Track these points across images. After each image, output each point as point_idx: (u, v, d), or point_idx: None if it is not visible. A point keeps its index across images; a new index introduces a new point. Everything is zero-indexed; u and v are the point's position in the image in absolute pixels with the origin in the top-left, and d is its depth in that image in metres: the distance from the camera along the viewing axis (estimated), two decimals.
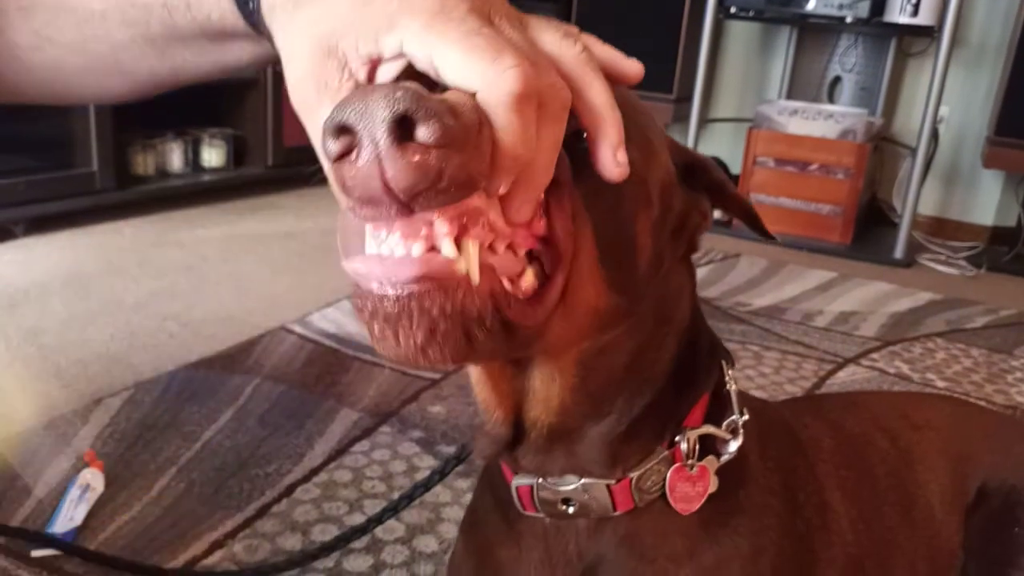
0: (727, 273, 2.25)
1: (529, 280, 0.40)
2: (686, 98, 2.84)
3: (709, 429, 0.54)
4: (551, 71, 0.37)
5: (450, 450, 1.18)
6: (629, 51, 0.46)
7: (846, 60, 2.95)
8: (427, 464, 1.15)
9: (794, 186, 2.66)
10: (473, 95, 0.34)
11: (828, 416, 0.73)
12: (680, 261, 0.55)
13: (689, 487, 0.53)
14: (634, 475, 0.52)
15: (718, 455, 0.55)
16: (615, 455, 0.52)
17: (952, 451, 0.74)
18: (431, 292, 0.34)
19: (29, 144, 2.10)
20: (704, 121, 2.87)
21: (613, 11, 2.92)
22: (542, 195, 0.38)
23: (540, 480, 0.53)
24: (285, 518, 1.01)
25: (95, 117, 2.13)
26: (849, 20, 2.57)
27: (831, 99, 2.99)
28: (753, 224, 0.58)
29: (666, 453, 0.53)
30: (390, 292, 0.34)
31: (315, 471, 1.12)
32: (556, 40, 0.40)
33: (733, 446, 0.55)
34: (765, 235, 0.58)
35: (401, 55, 0.37)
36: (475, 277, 0.35)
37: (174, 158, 2.52)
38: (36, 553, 0.91)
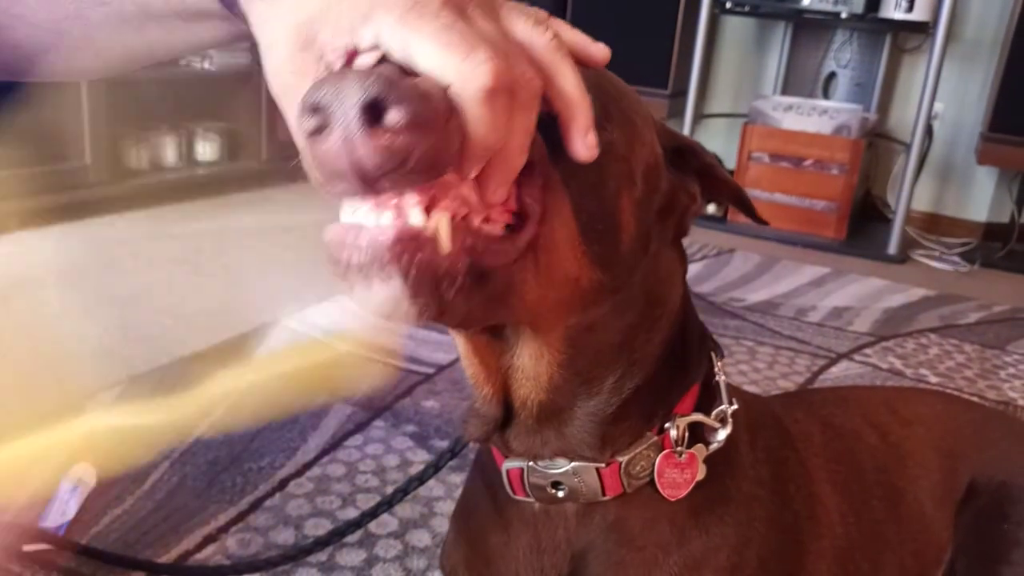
0: (721, 268, 2.25)
1: (500, 228, 0.41)
2: (681, 93, 2.84)
3: (699, 417, 0.55)
4: (522, 61, 0.38)
5: (443, 444, 1.18)
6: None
7: (841, 56, 2.95)
8: (420, 459, 1.15)
9: (788, 182, 2.67)
10: (446, 87, 0.35)
11: (819, 411, 0.73)
12: (671, 245, 0.55)
13: (677, 474, 0.54)
14: (623, 459, 0.53)
15: (707, 444, 0.55)
16: (604, 437, 0.53)
17: (942, 446, 0.74)
18: (401, 246, 0.36)
19: (22, 137, 2.09)
20: (699, 116, 2.87)
21: (609, 6, 2.92)
22: (516, 174, 0.40)
23: (530, 463, 0.54)
24: (278, 512, 1.01)
25: (88, 110, 2.12)
26: (844, 16, 2.57)
27: (826, 95, 2.99)
28: (744, 208, 0.58)
29: (655, 439, 0.54)
30: (364, 247, 0.36)
31: (308, 465, 1.12)
32: (528, 28, 0.41)
33: (722, 435, 0.55)
34: (756, 219, 0.59)
35: (377, 47, 0.38)
36: (445, 245, 0.37)
37: (168, 152, 2.51)
38: (28, 547, 0.91)
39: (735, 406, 0.56)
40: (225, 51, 2.55)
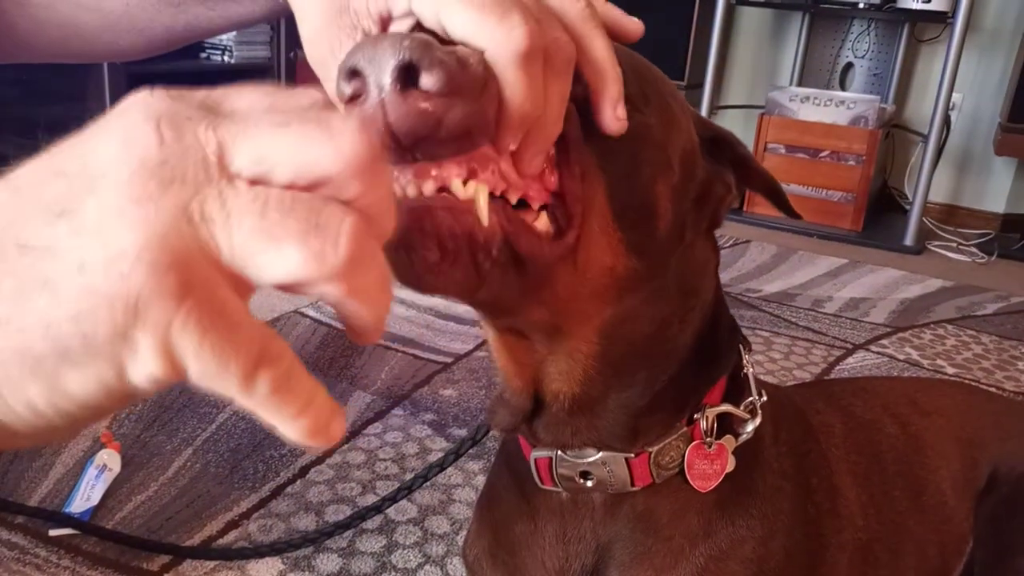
0: (737, 259, 2.25)
1: (544, 223, 0.40)
2: (697, 85, 2.83)
3: (728, 408, 0.55)
4: (556, 26, 0.37)
5: (462, 433, 1.19)
6: (640, 39, 0.46)
7: (858, 46, 2.94)
8: (439, 447, 1.16)
9: (805, 173, 2.66)
10: (482, 53, 0.34)
11: (839, 401, 0.73)
12: (704, 235, 0.55)
13: (707, 465, 0.54)
14: (653, 450, 0.53)
15: (736, 435, 0.55)
16: (636, 429, 0.53)
17: (962, 437, 0.74)
18: (441, 213, 0.35)
19: (47, 132, 2.11)
20: (715, 108, 2.86)
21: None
22: (552, 150, 0.39)
23: (559, 453, 0.54)
24: (299, 499, 1.03)
25: (111, 105, 2.14)
26: (862, 6, 2.55)
27: (843, 86, 2.97)
28: (778, 201, 0.58)
29: (685, 430, 0.54)
30: (403, 215, 0.34)
31: (329, 453, 1.13)
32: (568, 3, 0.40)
33: (751, 426, 0.55)
34: (791, 213, 0.59)
35: (410, 13, 0.37)
36: (484, 217, 0.36)
37: None
38: (54, 532, 0.92)
39: (764, 398, 0.56)
40: (244, 45, 2.56)
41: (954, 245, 2.60)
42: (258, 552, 0.90)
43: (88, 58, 0.69)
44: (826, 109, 2.63)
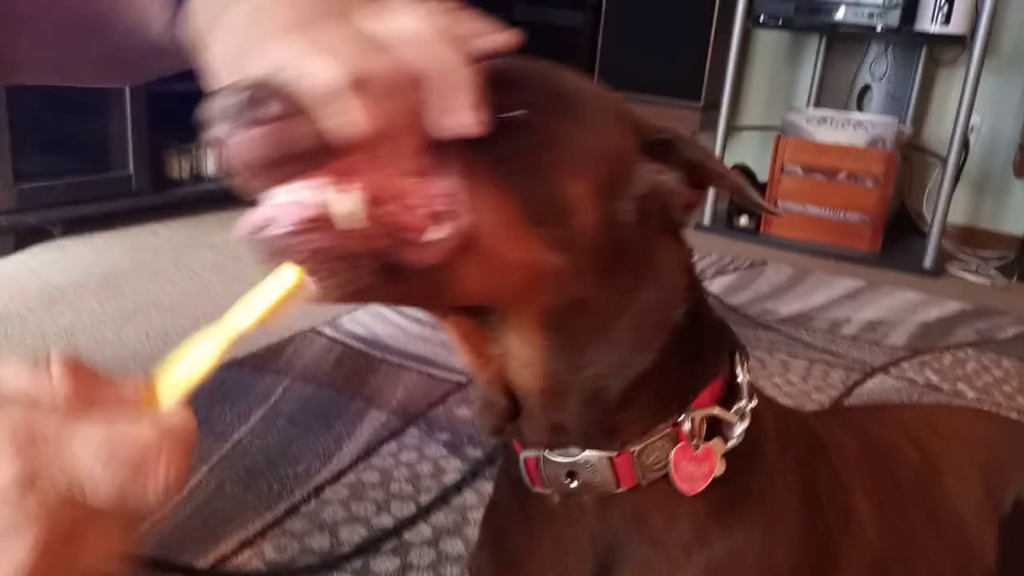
0: (754, 280, 2.24)
1: (435, 228, 0.44)
2: (714, 106, 2.84)
3: (715, 411, 0.55)
4: (381, 55, 0.42)
5: (477, 453, 1.19)
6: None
7: (876, 68, 2.94)
8: (454, 467, 1.16)
9: (822, 194, 2.65)
10: (298, 89, 0.40)
11: (854, 424, 0.73)
12: (669, 236, 0.56)
13: (694, 467, 0.54)
14: (635, 449, 0.54)
15: (725, 439, 0.56)
16: (613, 425, 0.54)
17: (984, 463, 0.73)
18: (311, 231, 0.40)
19: (67, 147, 2.15)
20: (731, 129, 2.87)
21: (642, 19, 2.93)
22: (428, 160, 0.44)
23: (545, 453, 0.55)
24: (314, 518, 1.03)
25: (131, 122, 2.17)
26: (879, 29, 2.55)
27: (860, 107, 2.97)
28: (746, 199, 0.58)
29: (669, 430, 0.54)
30: (275, 232, 0.40)
31: (343, 472, 1.13)
32: (407, 22, 0.44)
33: (739, 429, 0.55)
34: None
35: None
36: (352, 224, 0.41)
37: (208, 162, 2.55)
38: None
39: (755, 402, 0.57)
40: None
41: (973, 268, 2.58)
42: (273, 574, 0.90)
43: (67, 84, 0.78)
44: (843, 131, 2.62)
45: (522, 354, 0.52)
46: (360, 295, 0.43)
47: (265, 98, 0.39)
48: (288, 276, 0.41)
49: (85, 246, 2.07)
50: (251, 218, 0.41)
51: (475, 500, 1.07)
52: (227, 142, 0.39)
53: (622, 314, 0.52)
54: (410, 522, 0.87)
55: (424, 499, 1.07)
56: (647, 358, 0.53)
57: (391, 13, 0.44)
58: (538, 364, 0.52)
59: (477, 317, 0.51)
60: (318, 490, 1.08)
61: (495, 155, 0.45)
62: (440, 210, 0.44)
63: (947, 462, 0.72)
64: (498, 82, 0.46)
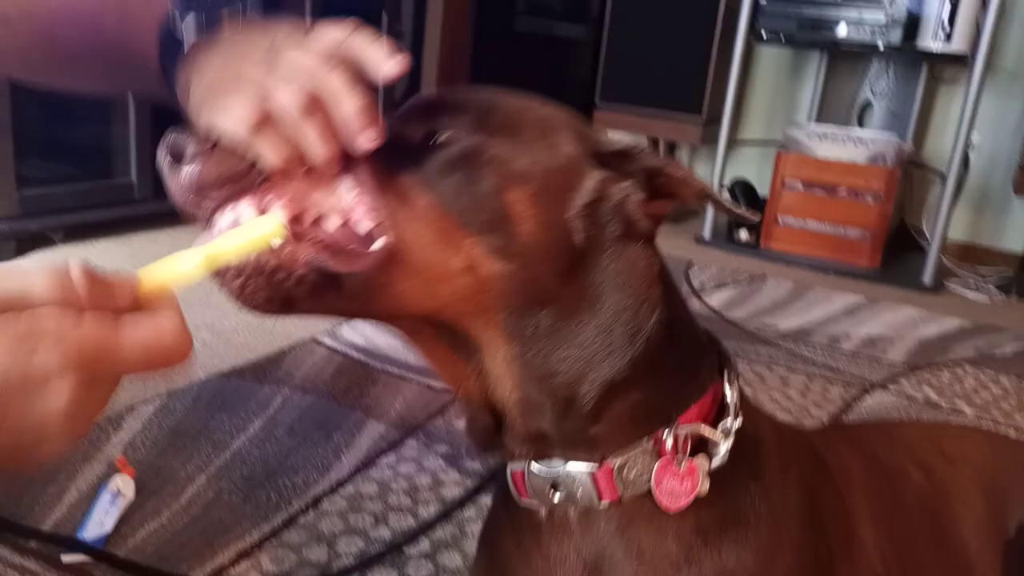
0: (754, 295, 2.24)
1: (358, 245, 0.50)
2: (715, 120, 2.85)
3: (699, 427, 0.55)
4: (288, 89, 0.51)
5: (475, 465, 1.19)
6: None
7: (877, 85, 2.95)
8: (452, 479, 1.16)
9: (822, 209, 2.66)
10: (220, 135, 0.51)
11: (860, 446, 0.72)
12: (634, 242, 0.56)
13: (676, 483, 0.54)
14: (615, 462, 0.54)
15: (710, 457, 0.55)
16: (592, 437, 0.54)
17: (988, 486, 0.73)
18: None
19: (69, 154, 2.15)
20: (732, 143, 2.87)
21: (645, 32, 2.94)
22: (355, 177, 0.51)
23: (530, 465, 0.56)
24: (311, 529, 1.02)
25: (135, 129, 2.17)
26: (881, 46, 2.56)
27: (861, 124, 2.98)
28: (713, 204, 0.58)
29: (650, 445, 0.54)
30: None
31: (342, 483, 1.13)
32: (299, 59, 0.52)
33: (723, 448, 0.55)
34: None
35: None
36: (275, 242, 0.47)
37: None
38: (67, 558, 0.92)
39: (739, 421, 0.56)
40: None
41: (972, 284, 2.59)
42: None
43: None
44: (844, 147, 2.63)
45: (493, 366, 0.53)
46: (287, 305, 0.49)
47: (196, 142, 0.49)
48: (269, 222, 0.47)
49: (87, 253, 2.06)
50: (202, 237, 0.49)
51: (474, 513, 1.07)
52: (168, 176, 0.50)
53: (587, 320, 0.53)
54: (412, 537, 0.86)
55: (423, 511, 1.07)
56: (617, 365, 0.53)
57: (299, 48, 0.53)
58: (509, 374, 0.53)
59: (444, 334, 0.54)
60: (316, 501, 1.08)
61: (429, 171, 0.50)
62: (363, 223, 0.50)
63: (953, 486, 0.72)
64: (437, 107, 0.53)
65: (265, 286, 0.47)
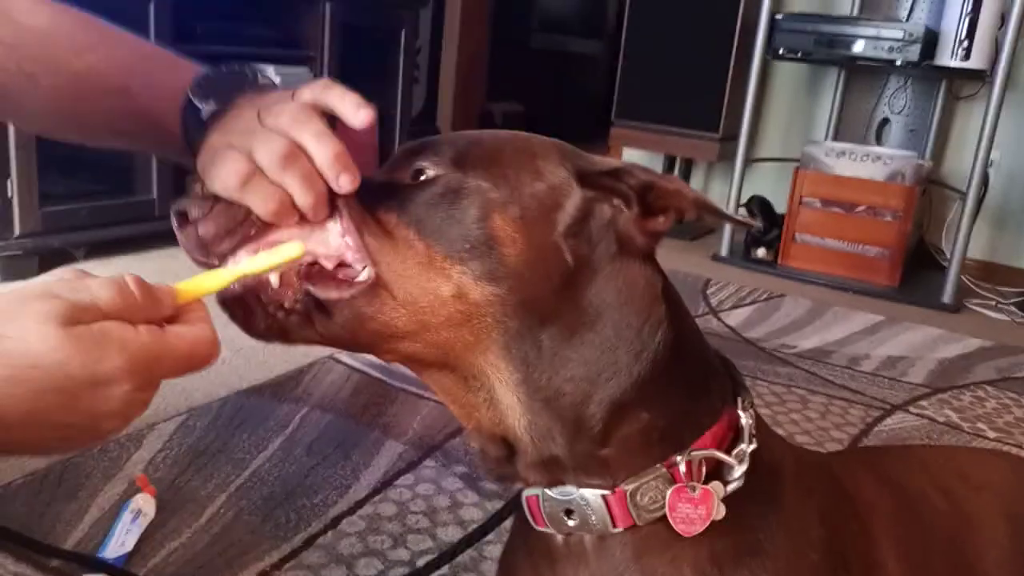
0: (772, 313, 2.23)
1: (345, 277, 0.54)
2: (732, 137, 2.84)
3: (713, 452, 0.55)
4: (268, 147, 0.55)
5: (493, 487, 1.18)
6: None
7: (895, 102, 2.94)
8: (471, 500, 1.16)
9: (840, 227, 2.64)
10: (215, 194, 0.56)
11: (883, 472, 0.71)
12: (633, 260, 0.56)
13: (691, 509, 0.54)
14: (629, 488, 0.54)
15: (725, 483, 0.55)
16: (603, 461, 0.54)
17: (1012, 513, 0.72)
18: (243, 286, 0.54)
19: (91, 171, 2.17)
20: (749, 160, 2.87)
21: (661, 49, 2.95)
22: (341, 220, 0.55)
23: (545, 491, 0.56)
24: (330, 550, 1.02)
25: None
26: (899, 63, 2.55)
27: (879, 141, 2.97)
28: (711, 214, 0.57)
29: (663, 470, 0.54)
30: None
31: (360, 503, 1.13)
32: (278, 117, 0.57)
33: (737, 472, 0.55)
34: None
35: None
36: (273, 280, 0.54)
37: None
38: None
39: (754, 445, 0.56)
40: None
41: (993, 303, 2.56)
42: None
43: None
44: (862, 164, 2.62)
45: (500, 394, 0.54)
46: (284, 335, 0.55)
47: (198, 203, 0.55)
48: (291, 248, 0.53)
49: (108, 269, 2.08)
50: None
51: (493, 536, 1.07)
52: (178, 236, 0.55)
53: (590, 339, 0.53)
54: (435, 567, 0.87)
55: (441, 533, 1.07)
56: (624, 384, 0.54)
57: (280, 107, 0.58)
58: (517, 400, 0.54)
59: (450, 366, 0.55)
60: (335, 521, 1.08)
61: (414, 206, 0.54)
62: (349, 259, 0.54)
63: (977, 514, 0.71)
64: (424, 150, 0.56)
65: (263, 316, 0.54)
